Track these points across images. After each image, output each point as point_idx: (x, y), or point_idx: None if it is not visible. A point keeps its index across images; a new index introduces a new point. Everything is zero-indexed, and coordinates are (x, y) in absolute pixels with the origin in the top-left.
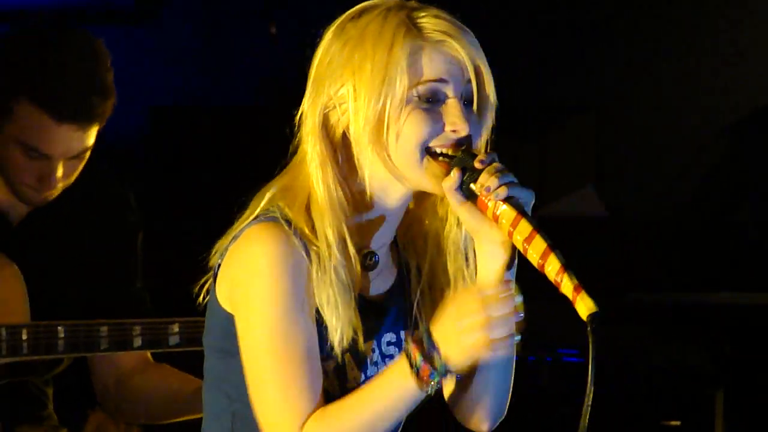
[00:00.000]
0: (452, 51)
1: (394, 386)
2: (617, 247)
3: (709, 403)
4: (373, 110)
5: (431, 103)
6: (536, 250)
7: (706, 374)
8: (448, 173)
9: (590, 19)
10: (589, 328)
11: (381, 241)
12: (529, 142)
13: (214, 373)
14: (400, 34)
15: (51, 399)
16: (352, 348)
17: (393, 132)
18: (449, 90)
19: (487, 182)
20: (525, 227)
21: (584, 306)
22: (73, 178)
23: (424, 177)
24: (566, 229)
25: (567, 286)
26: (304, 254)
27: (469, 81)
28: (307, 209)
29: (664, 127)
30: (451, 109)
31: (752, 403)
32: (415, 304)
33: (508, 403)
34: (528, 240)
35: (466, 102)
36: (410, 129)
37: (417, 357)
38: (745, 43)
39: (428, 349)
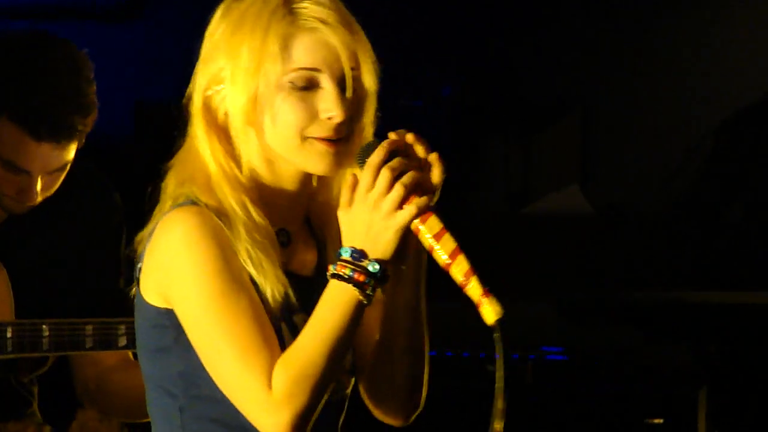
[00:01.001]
0: (326, 37)
1: (338, 308)
2: (601, 246)
3: (692, 402)
4: (246, 95)
5: (305, 90)
6: (445, 249)
7: (690, 372)
8: (329, 150)
9: (576, 17)
10: (496, 335)
11: (288, 220)
12: (515, 142)
13: (153, 375)
14: (276, 19)
15: (36, 397)
16: (286, 317)
17: (268, 117)
18: (323, 78)
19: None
20: (434, 224)
21: (491, 311)
22: (54, 189)
23: (307, 158)
24: (551, 228)
25: (474, 288)
26: (220, 223)
27: (343, 67)
28: (210, 186)
29: (651, 126)
30: (325, 95)
31: (735, 401)
32: None
33: (424, 395)
34: (437, 237)
35: (342, 87)
36: (284, 115)
37: (346, 270)
38: (734, 40)
39: (352, 257)
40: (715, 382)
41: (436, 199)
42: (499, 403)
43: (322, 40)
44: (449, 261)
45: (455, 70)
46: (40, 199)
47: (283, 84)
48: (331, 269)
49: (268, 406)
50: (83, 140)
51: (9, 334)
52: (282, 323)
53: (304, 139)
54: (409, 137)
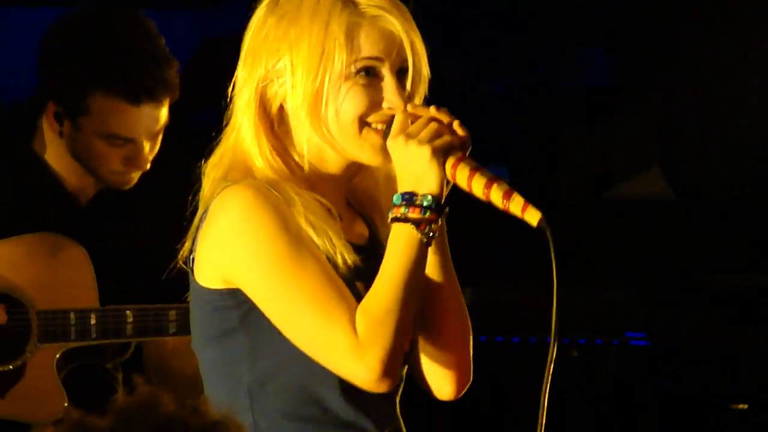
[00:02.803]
0: (388, 25)
1: (402, 249)
2: (684, 230)
3: None
4: (311, 86)
5: (368, 77)
6: (480, 183)
7: None
8: (383, 143)
9: (658, 3)
10: (545, 227)
11: (332, 201)
12: (597, 126)
13: (214, 365)
14: (336, 9)
15: (121, 384)
16: (351, 282)
17: (332, 107)
18: (385, 67)
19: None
20: (467, 165)
21: (534, 215)
22: (155, 152)
23: (362, 149)
24: (633, 213)
25: (515, 205)
26: (276, 193)
27: (404, 56)
28: (253, 177)
29: (731, 110)
30: (388, 87)
31: None
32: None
33: (471, 369)
34: (471, 176)
35: (400, 75)
36: (349, 104)
37: (401, 210)
38: None
39: (404, 198)
40: None
41: (468, 149)
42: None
43: (384, 29)
44: (486, 191)
45: (537, 55)
46: (147, 166)
47: (349, 74)
48: (390, 215)
49: (358, 351)
50: (176, 94)
51: (93, 321)
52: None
53: (363, 125)
54: (432, 109)
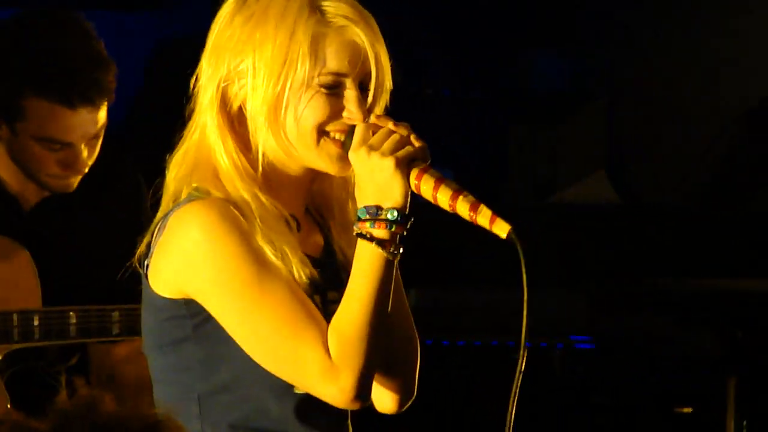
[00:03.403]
0: (354, 37)
1: (368, 264)
2: (628, 234)
3: (721, 390)
4: (272, 91)
5: (330, 89)
6: (446, 195)
7: (718, 361)
8: (341, 153)
9: (604, 6)
10: (514, 237)
11: (293, 207)
12: (542, 130)
13: (164, 370)
14: (303, 17)
15: (64, 386)
16: (311, 296)
17: (291, 114)
18: (349, 80)
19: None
20: (431, 177)
21: (502, 227)
22: (94, 157)
23: (319, 157)
24: (579, 216)
25: (483, 217)
26: (236, 212)
27: (368, 68)
28: (217, 177)
29: (677, 113)
30: (350, 98)
31: (764, 389)
32: (342, 261)
33: (416, 383)
34: (436, 187)
35: (362, 87)
36: (309, 113)
37: (366, 225)
38: (762, 28)
39: (369, 212)
40: (744, 370)
41: (428, 160)
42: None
43: (350, 41)
44: (452, 203)
45: (485, 59)
46: (86, 168)
47: (312, 84)
48: (355, 229)
49: (331, 373)
50: (112, 97)
51: (36, 322)
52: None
53: (322, 134)
54: (391, 122)
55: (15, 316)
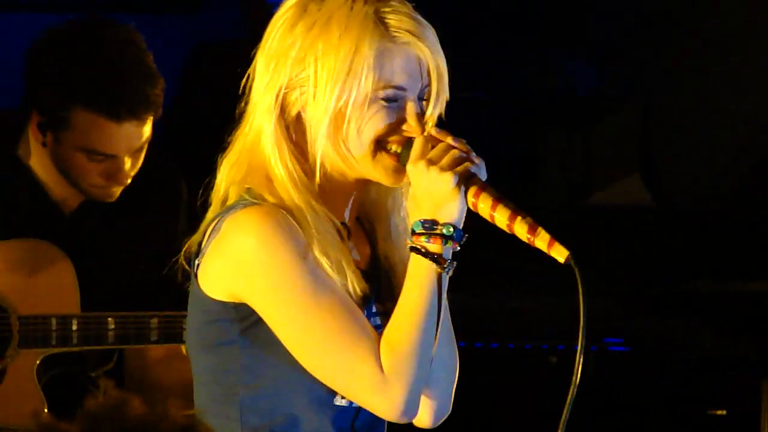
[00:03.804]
0: (417, 51)
1: (422, 278)
2: (663, 238)
3: (755, 392)
4: (334, 103)
5: (391, 102)
6: (503, 215)
7: (752, 363)
8: (397, 165)
9: (638, 8)
10: (572, 263)
11: (345, 215)
12: (576, 133)
13: (207, 371)
14: (367, 31)
15: (103, 392)
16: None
17: (353, 126)
18: (410, 94)
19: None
20: (489, 196)
21: (561, 251)
22: (137, 169)
23: (375, 169)
24: (613, 219)
25: (541, 240)
26: (294, 222)
27: (428, 81)
28: (270, 182)
29: (711, 117)
30: (410, 112)
31: None
32: (388, 271)
33: (452, 399)
34: (494, 206)
35: (421, 99)
36: (371, 126)
37: (421, 239)
38: None
39: (424, 226)
40: None
41: (486, 177)
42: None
43: (413, 55)
44: (510, 224)
45: (518, 62)
46: (128, 181)
47: (374, 97)
48: (409, 242)
49: (384, 386)
50: (159, 111)
51: (74, 327)
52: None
53: (379, 147)
54: (450, 137)
55: (53, 321)
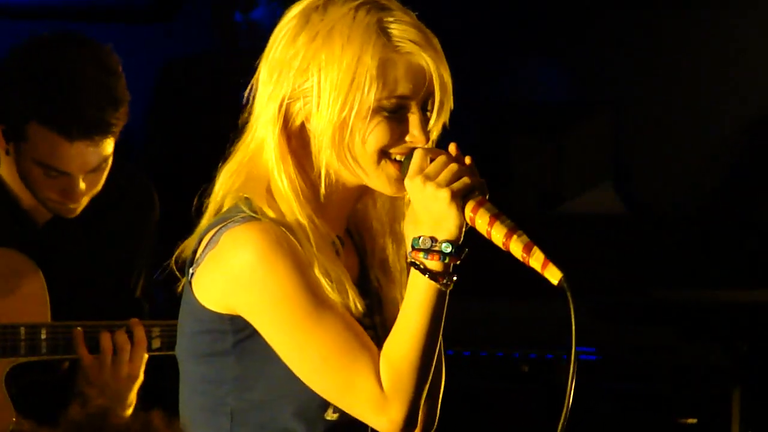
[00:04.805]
0: (420, 61)
1: (421, 295)
2: (634, 246)
3: (725, 401)
4: (339, 113)
5: (395, 112)
6: (500, 232)
7: (723, 372)
8: (400, 175)
9: (608, 16)
10: (566, 285)
11: (337, 228)
12: (548, 141)
13: (199, 378)
14: (370, 41)
15: (75, 401)
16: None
17: (357, 136)
18: (413, 103)
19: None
20: (486, 212)
21: (555, 273)
22: (98, 188)
23: (378, 178)
24: (584, 227)
25: (535, 260)
26: (293, 239)
27: (432, 90)
28: (270, 195)
29: (683, 124)
30: (414, 122)
31: None
32: (376, 284)
33: (438, 410)
34: (491, 223)
35: (423, 107)
36: (374, 136)
37: (419, 255)
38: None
39: (423, 243)
40: (748, 381)
41: (487, 192)
42: (573, 360)
43: (417, 66)
44: (506, 241)
45: (489, 70)
46: (86, 199)
47: (378, 107)
48: (408, 257)
49: (383, 404)
50: (117, 134)
51: (43, 336)
52: None
53: (383, 156)
54: (451, 147)
55: (22, 330)
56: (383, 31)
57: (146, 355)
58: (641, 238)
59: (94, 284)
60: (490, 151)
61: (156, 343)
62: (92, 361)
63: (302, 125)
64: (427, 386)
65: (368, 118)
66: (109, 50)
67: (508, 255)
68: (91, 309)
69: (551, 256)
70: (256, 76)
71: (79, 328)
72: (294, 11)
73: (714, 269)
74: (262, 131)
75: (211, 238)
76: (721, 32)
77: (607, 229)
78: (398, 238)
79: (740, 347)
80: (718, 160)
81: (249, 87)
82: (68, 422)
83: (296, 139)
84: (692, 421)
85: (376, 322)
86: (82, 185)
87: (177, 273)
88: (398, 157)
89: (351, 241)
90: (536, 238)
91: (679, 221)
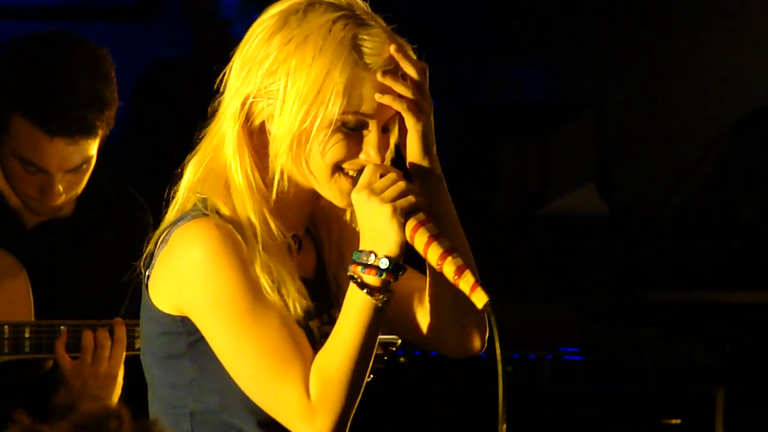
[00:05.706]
0: (388, 83)
1: (356, 308)
2: (618, 246)
3: (709, 402)
4: (300, 123)
5: (355, 129)
6: (435, 254)
7: (707, 373)
8: (351, 189)
9: (593, 16)
10: (489, 311)
11: (297, 226)
12: (531, 142)
13: (162, 380)
14: (341, 56)
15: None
16: (303, 325)
17: (315, 147)
18: (374, 123)
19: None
20: (425, 232)
21: (480, 298)
22: (79, 190)
23: (330, 190)
24: (568, 228)
25: (465, 283)
26: (239, 237)
27: (395, 111)
28: (228, 192)
29: (667, 125)
30: (370, 141)
31: (753, 401)
32: (333, 282)
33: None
34: (428, 244)
35: (386, 129)
36: (333, 151)
37: (358, 269)
38: (750, 41)
39: (360, 257)
40: (732, 382)
41: (425, 211)
42: (501, 386)
43: (381, 85)
44: (440, 262)
45: (473, 71)
46: (63, 199)
47: (340, 122)
48: (348, 270)
49: (309, 414)
50: (99, 135)
51: (27, 335)
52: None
53: (337, 169)
54: (392, 48)
55: (6, 328)
56: (356, 48)
57: (125, 354)
58: (624, 239)
59: (80, 290)
60: (474, 152)
61: (138, 343)
62: (71, 365)
63: (263, 125)
64: (358, 399)
65: (329, 132)
66: (105, 53)
67: (490, 258)
68: (76, 315)
69: (534, 257)
70: (229, 65)
71: (63, 328)
72: (274, 10)
73: (697, 270)
74: (225, 125)
75: (163, 238)
76: (705, 34)
77: (591, 230)
78: (358, 235)
79: (724, 348)
80: (701, 161)
81: (222, 74)
82: (73, 422)
83: (257, 137)
84: (676, 421)
85: (325, 321)
86: (60, 185)
87: (144, 279)
88: (351, 173)
89: (311, 237)
90: (520, 239)
91: (661, 222)
